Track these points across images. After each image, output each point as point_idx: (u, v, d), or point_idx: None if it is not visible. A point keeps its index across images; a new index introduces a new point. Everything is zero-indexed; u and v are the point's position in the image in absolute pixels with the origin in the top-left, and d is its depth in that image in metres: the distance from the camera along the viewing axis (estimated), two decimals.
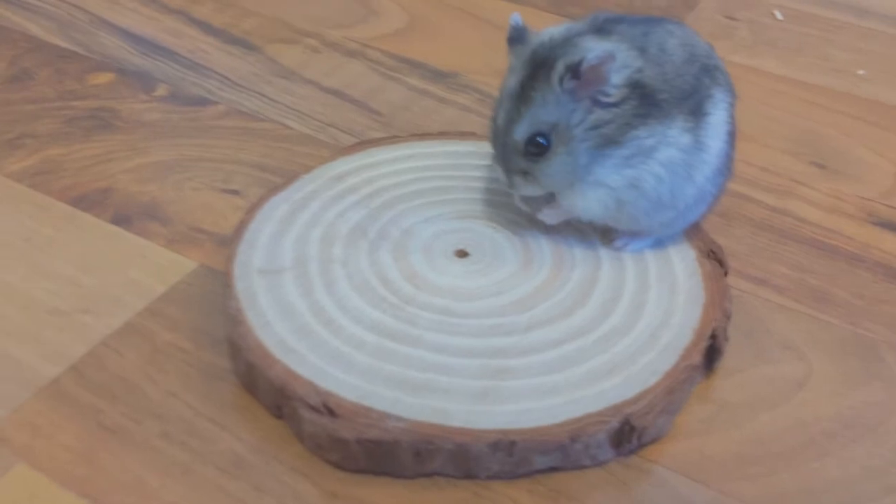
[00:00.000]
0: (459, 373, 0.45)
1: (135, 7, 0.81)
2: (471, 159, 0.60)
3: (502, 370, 0.45)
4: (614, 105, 0.47)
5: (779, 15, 0.83)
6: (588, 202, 0.49)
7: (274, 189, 0.56)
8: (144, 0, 0.81)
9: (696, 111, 0.49)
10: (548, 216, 0.52)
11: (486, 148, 0.56)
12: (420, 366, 0.45)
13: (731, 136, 0.51)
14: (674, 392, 0.44)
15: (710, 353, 0.48)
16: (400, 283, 0.50)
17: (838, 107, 0.71)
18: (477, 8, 0.82)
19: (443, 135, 0.62)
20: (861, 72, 0.75)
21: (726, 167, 0.52)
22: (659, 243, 0.53)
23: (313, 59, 0.75)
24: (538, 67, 0.47)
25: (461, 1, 0.83)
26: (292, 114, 0.68)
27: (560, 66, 0.46)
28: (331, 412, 0.43)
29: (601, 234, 0.53)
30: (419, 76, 0.73)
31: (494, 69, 0.73)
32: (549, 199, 0.51)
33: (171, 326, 0.50)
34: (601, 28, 0.49)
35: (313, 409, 0.43)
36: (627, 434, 0.43)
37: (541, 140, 0.47)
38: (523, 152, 0.48)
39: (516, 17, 0.50)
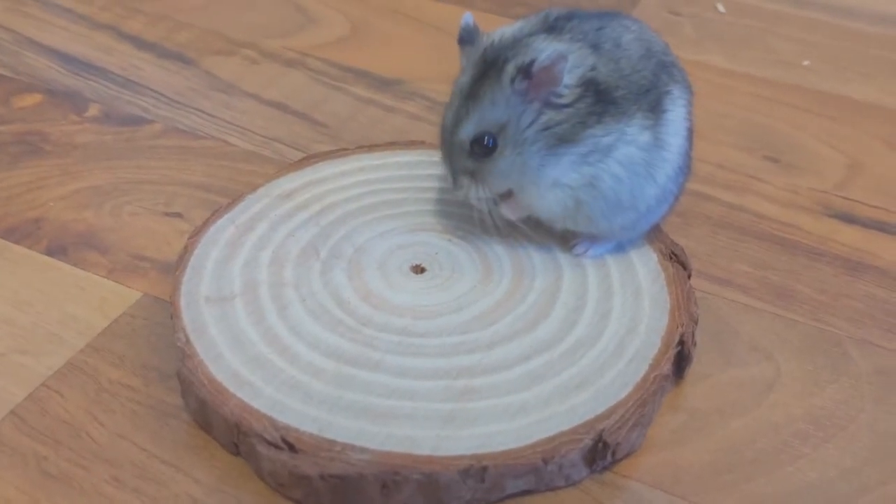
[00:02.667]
0: (424, 396, 0.43)
1: (63, 24, 0.77)
2: (422, 169, 0.58)
3: (468, 391, 0.43)
4: (568, 105, 0.45)
5: (721, 8, 0.83)
6: (546, 202, 0.48)
7: (218, 211, 0.54)
8: (72, 17, 0.78)
9: (654, 108, 0.47)
10: (508, 210, 0.50)
11: (438, 156, 0.55)
12: (382, 392, 0.43)
13: (691, 134, 0.50)
14: (645, 404, 0.43)
15: (679, 360, 0.47)
16: (356, 304, 0.48)
17: (787, 99, 0.71)
18: (420, 13, 0.80)
19: (392, 145, 0.61)
20: (806, 62, 0.75)
21: (686, 165, 0.51)
22: (620, 247, 0.52)
23: (252, 70, 0.72)
24: (488, 67, 0.46)
25: (404, 6, 0.81)
26: (233, 129, 0.65)
27: (511, 68, 0.45)
28: (290, 447, 0.40)
29: (560, 241, 0.52)
30: (364, 85, 0.71)
31: (441, 75, 0.71)
32: (507, 195, 0.50)
33: (117, 363, 0.48)
34: (553, 26, 0.48)
35: (272, 444, 0.41)
36: (601, 451, 0.41)
37: (487, 140, 0.46)
38: (469, 152, 0.47)
39: (468, 17, 0.49)
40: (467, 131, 0.47)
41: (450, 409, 0.42)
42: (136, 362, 0.48)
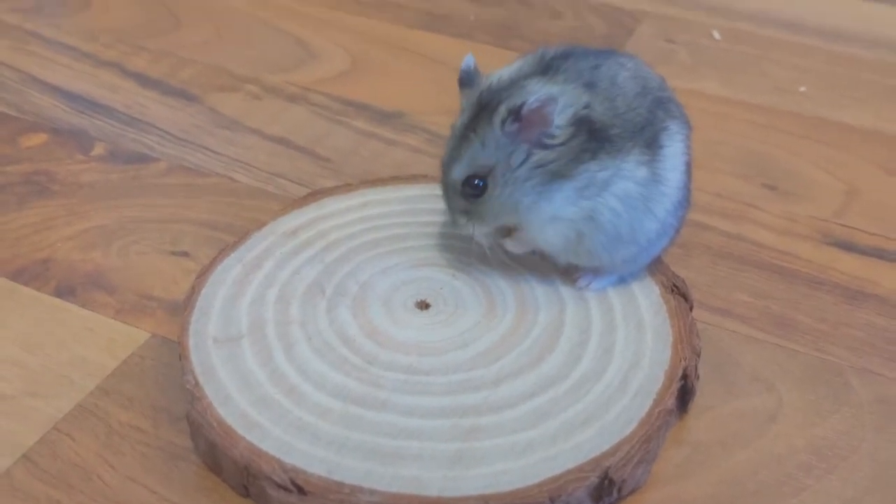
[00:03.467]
0: (431, 436, 0.43)
1: (67, 63, 0.78)
2: (425, 203, 0.59)
3: (474, 429, 0.44)
4: (560, 144, 0.46)
5: (717, 35, 0.84)
6: (547, 235, 0.49)
7: (225, 249, 0.55)
8: (77, 54, 0.79)
9: (651, 144, 0.48)
10: (512, 246, 0.51)
11: (439, 190, 0.56)
12: (389, 432, 0.44)
13: (689, 167, 0.51)
14: (650, 440, 0.43)
15: (683, 393, 0.47)
16: (361, 341, 0.49)
17: (783, 126, 0.71)
18: (420, 46, 0.81)
19: (395, 179, 0.61)
20: (802, 89, 0.76)
21: (686, 199, 0.51)
22: (622, 280, 0.52)
23: (255, 106, 0.73)
24: (482, 109, 0.47)
25: (403, 40, 0.82)
26: (238, 166, 0.66)
27: (502, 110, 0.46)
28: (299, 489, 0.41)
29: (563, 274, 0.53)
30: (365, 119, 0.72)
31: (441, 107, 0.72)
32: (509, 230, 0.50)
33: (126, 405, 0.48)
34: (548, 66, 0.48)
35: (281, 487, 0.41)
36: (607, 488, 0.42)
37: (477, 182, 0.48)
38: (461, 192, 0.49)
39: (469, 60, 0.50)
40: (458, 173, 0.48)
41: (456, 448, 0.43)
42: (145, 404, 0.48)
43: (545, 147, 0.47)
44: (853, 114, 0.73)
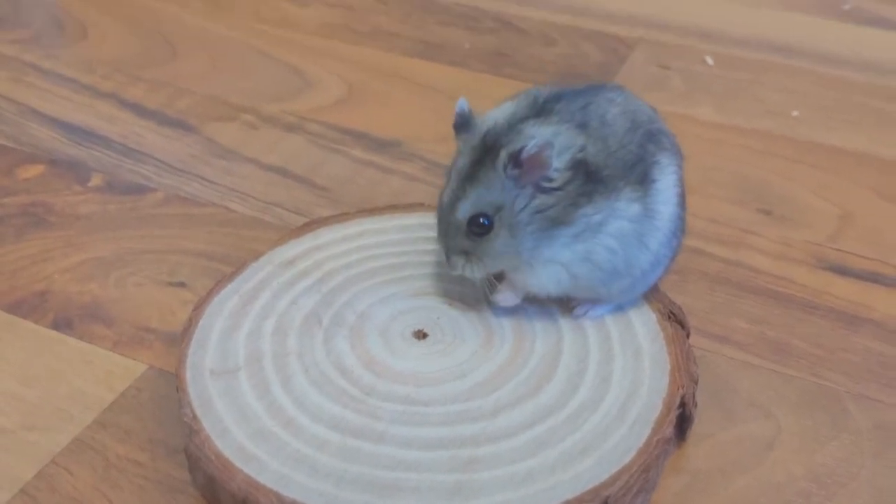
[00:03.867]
0: (429, 468, 0.43)
1: (65, 94, 0.78)
2: (422, 232, 0.59)
3: (473, 460, 0.44)
4: (558, 188, 0.47)
5: (710, 60, 0.85)
6: (540, 279, 0.49)
7: (222, 280, 0.55)
8: (74, 86, 0.79)
9: (643, 180, 0.49)
10: (504, 299, 0.51)
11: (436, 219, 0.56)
12: (387, 464, 0.44)
13: (682, 198, 0.51)
14: (649, 469, 0.43)
15: (681, 421, 0.47)
16: (359, 372, 0.49)
17: (777, 150, 0.72)
18: (416, 75, 0.82)
19: (392, 208, 0.62)
20: (795, 113, 0.77)
21: (680, 229, 0.52)
22: (619, 308, 0.53)
23: (252, 135, 0.73)
24: (485, 153, 0.47)
25: (399, 68, 0.83)
26: (235, 195, 0.66)
27: (504, 154, 0.46)
28: None
29: (560, 303, 0.53)
30: (362, 147, 0.72)
31: (437, 135, 0.73)
32: (501, 276, 0.51)
33: (124, 438, 0.48)
34: (542, 109, 0.49)
35: None
36: None
37: (483, 220, 0.47)
38: (466, 231, 0.48)
39: (462, 103, 0.50)
40: (464, 211, 0.48)
41: (455, 480, 0.43)
42: (142, 437, 0.48)
43: (545, 191, 0.47)
44: (846, 137, 0.73)
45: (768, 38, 0.88)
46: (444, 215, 0.49)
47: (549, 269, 0.49)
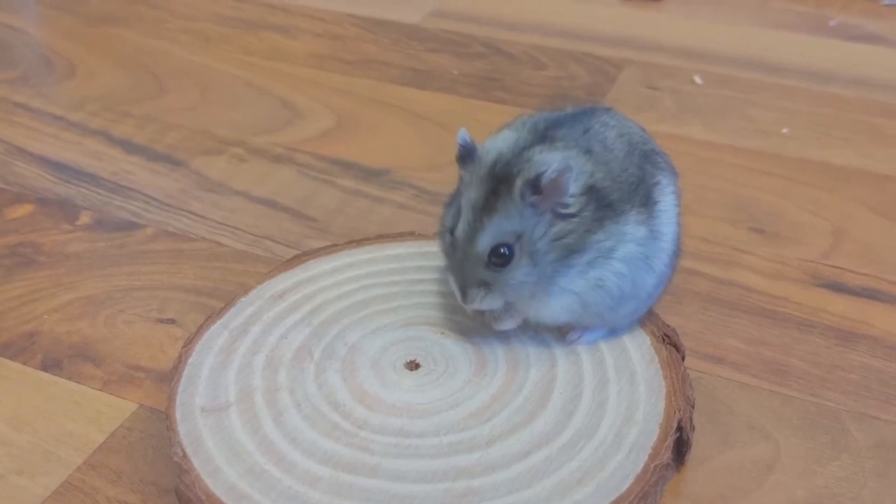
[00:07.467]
0: (423, 501, 0.43)
1: (53, 132, 0.78)
2: (412, 261, 0.58)
3: (468, 492, 0.43)
4: (574, 215, 0.46)
5: (698, 80, 0.85)
6: (552, 309, 0.49)
7: (212, 316, 0.54)
8: (63, 124, 0.79)
9: (646, 202, 0.48)
10: (503, 324, 0.51)
11: (427, 247, 0.55)
12: (381, 498, 0.43)
13: (679, 217, 0.51)
14: (647, 496, 0.43)
15: (679, 446, 0.46)
16: (351, 406, 0.48)
17: (768, 168, 0.72)
18: (404, 102, 0.82)
19: (381, 238, 0.61)
20: (785, 130, 0.77)
21: (679, 248, 0.52)
22: (612, 333, 0.52)
23: (240, 168, 0.73)
24: (498, 182, 0.46)
25: (387, 96, 0.83)
26: (224, 229, 0.66)
27: (520, 182, 0.46)
28: None
29: (553, 329, 0.52)
30: (351, 176, 0.72)
31: (426, 163, 0.73)
32: (507, 306, 0.50)
33: (114, 479, 0.47)
34: (545, 136, 0.48)
35: None
36: None
37: (504, 250, 0.47)
38: (486, 263, 0.47)
39: (464, 134, 0.49)
40: (485, 242, 0.47)
41: None
42: (133, 478, 0.47)
43: (562, 217, 0.46)
44: (837, 153, 0.73)
45: (756, 56, 0.88)
46: (461, 249, 0.48)
47: (562, 299, 0.48)
